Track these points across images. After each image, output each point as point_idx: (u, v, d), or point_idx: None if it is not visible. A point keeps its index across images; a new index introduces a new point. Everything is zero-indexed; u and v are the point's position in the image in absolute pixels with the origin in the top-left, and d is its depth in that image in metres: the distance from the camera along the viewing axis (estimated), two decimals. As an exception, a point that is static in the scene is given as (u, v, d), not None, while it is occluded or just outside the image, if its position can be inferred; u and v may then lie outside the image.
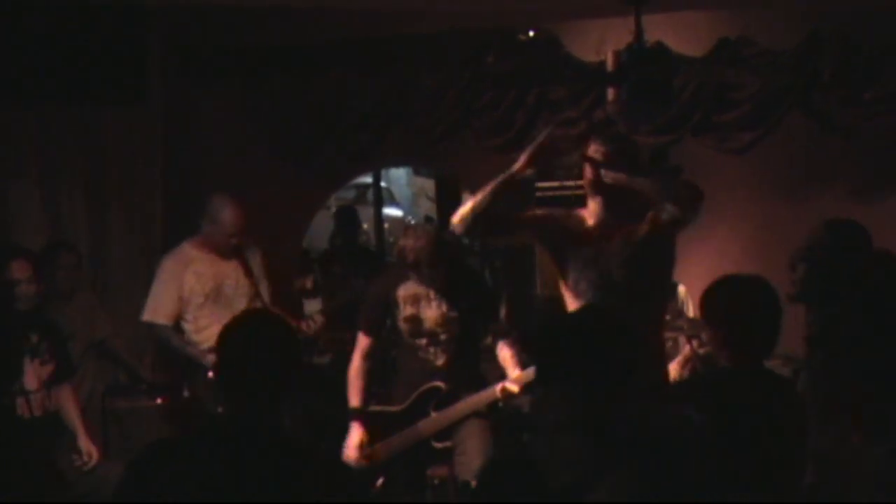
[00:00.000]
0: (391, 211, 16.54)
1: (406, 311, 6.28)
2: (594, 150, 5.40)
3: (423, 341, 6.28)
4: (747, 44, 7.17)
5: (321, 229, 12.83)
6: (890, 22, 6.88)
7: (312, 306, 9.08)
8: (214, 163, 8.33)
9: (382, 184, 15.29)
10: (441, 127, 7.90)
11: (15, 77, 7.23)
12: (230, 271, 6.89)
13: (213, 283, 6.85)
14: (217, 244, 6.83)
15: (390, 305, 6.31)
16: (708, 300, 4.29)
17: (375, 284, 6.67)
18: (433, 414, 6.20)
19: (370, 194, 14.93)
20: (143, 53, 7.68)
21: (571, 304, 5.54)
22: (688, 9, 7.29)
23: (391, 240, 15.55)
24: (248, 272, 6.90)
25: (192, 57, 8.15)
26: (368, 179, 14.39)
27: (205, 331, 6.84)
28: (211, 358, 6.81)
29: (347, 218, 10.87)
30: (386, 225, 15.46)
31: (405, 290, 6.30)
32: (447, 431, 6.19)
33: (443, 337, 6.26)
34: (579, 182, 8.12)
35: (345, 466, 3.94)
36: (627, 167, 5.26)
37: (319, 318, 7.12)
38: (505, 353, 6.30)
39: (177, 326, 6.93)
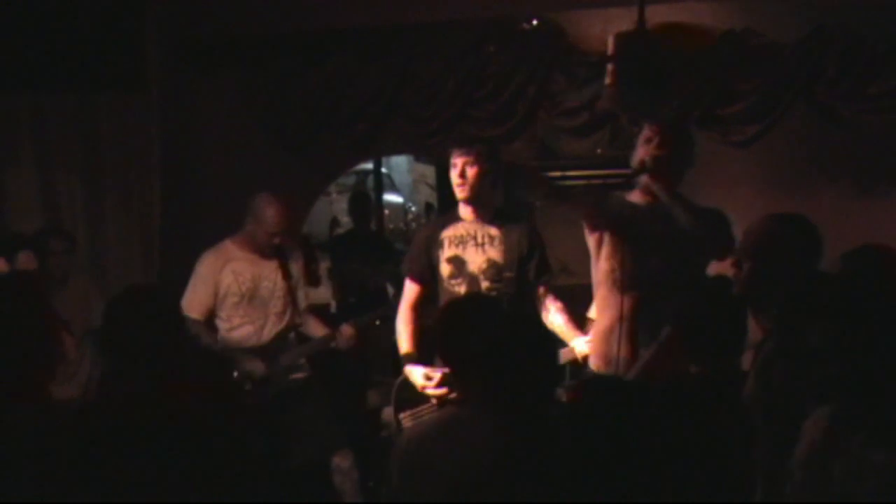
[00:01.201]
0: (391, 197, 16.48)
1: (449, 251, 6.09)
2: (649, 131, 5.36)
3: (463, 288, 6.03)
4: (752, 36, 7.10)
5: (320, 216, 12.81)
6: (896, 15, 6.83)
7: (318, 294, 9.06)
8: (212, 150, 8.28)
9: (383, 170, 15.22)
10: (441, 116, 7.85)
11: (12, 63, 7.20)
12: (269, 273, 6.90)
13: (251, 283, 6.85)
14: (258, 244, 6.84)
15: (434, 246, 6.13)
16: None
17: (422, 230, 6.53)
18: None
19: (370, 180, 14.87)
20: (142, 40, 7.63)
21: (601, 289, 5.50)
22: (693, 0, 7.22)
23: (391, 227, 15.50)
24: (287, 275, 6.92)
25: (190, 44, 8.09)
26: (369, 166, 14.33)
27: (236, 330, 6.87)
28: (238, 361, 6.80)
29: (361, 204, 10.84)
30: (386, 212, 15.40)
31: (453, 230, 6.12)
32: None
33: (484, 285, 6.00)
34: (582, 172, 8.14)
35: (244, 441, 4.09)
36: (678, 156, 5.39)
37: (349, 331, 7.00)
38: (559, 320, 6.09)
39: (209, 323, 6.92)
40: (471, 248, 6.06)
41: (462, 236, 6.08)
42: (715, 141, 7.34)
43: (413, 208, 17.04)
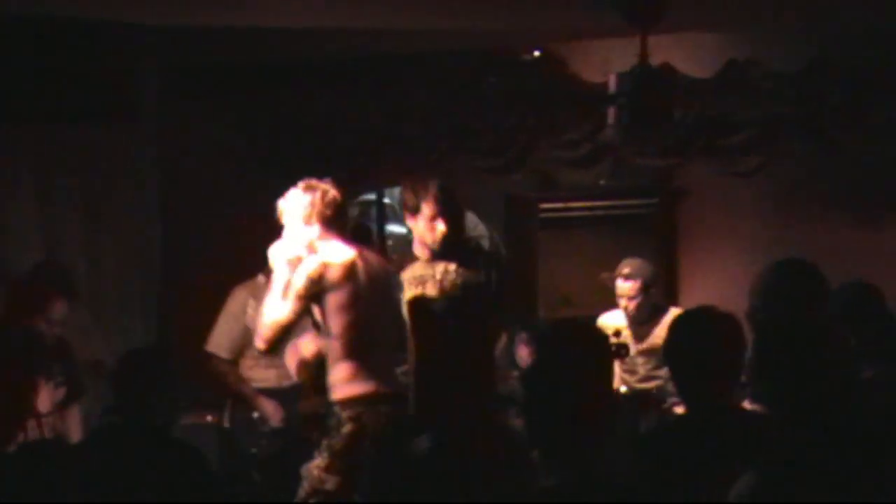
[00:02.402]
0: (394, 228, 16.40)
1: (409, 291, 5.96)
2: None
3: None
4: (755, 66, 7.07)
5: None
6: (898, 45, 6.80)
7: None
8: (211, 180, 8.23)
9: (386, 200, 15.15)
10: (440, 147, 7.80)
11: (10, 95, 7.15)
12: None
13: None
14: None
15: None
16: (667, 336, 4.12)
17: None
18: None
19: (374, 210, 14.79)
20: (139, 72, 7.60)
21: None
22: (696, 30, 7.19)
23: (394, 257, 15.38)
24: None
25: (188, 76, 8.05)
26: (373, 196, 14.26)
27: (267, 369, 6.77)
28: (261, 403, 6.72)
29: (363, 236, 10.78)
30: (389, 242, 15.31)
31: (411, 271, 6.01)
32: None
33: None
34: (584, 203, 8.12)
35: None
36: None
37: None
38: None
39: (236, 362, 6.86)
40: (430, 285, 5.94)
41: (421, 276, 5.97)
42: (718, 171, 7.30)
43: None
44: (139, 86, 7.57)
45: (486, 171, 7.88)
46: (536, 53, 7.72)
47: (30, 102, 7.27)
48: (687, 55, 7.20)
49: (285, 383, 6.75)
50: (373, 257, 6.00)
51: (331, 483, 5.74)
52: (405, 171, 8.03)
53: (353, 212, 15.21)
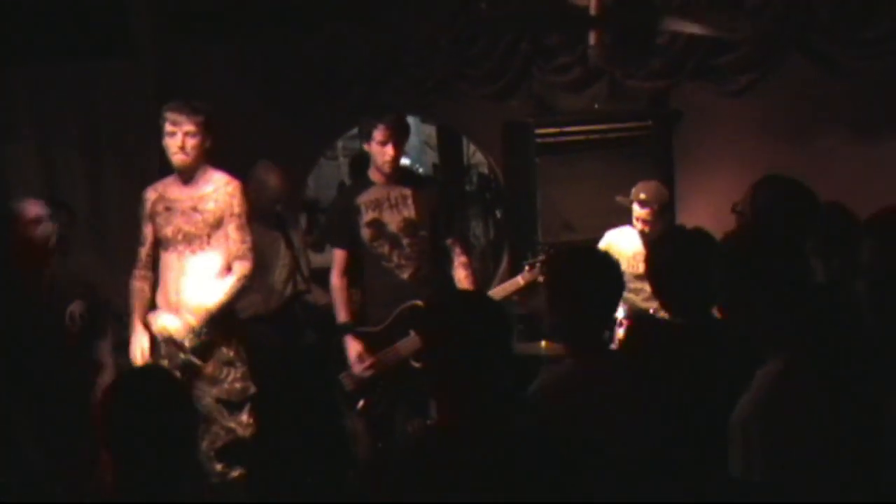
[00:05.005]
0: (398, 159, 16.40)
1: (368, 215, 6.35)
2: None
3: (386, 248, 6.34)
4: (743, -17, 7.03)
5: (328, 180, 12.80)
6: (890, -41, 6.75)
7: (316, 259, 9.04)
8: (210, 117, 8.23)
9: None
10: (435, 77, 7.83)
11: (3, 35, 7.17)
12: (272, 241, 6.91)
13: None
14: (261, 212, 6.84)
15: (352, 213, 6.40)
16: (649, 254, 4.41)
17: (336, 200, 6.91)
18: (412, 333, 6.16)
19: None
20: (133, 7, 7.60)
21: None
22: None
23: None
24: (290, 244, 6.93)
25: (182, 10, 8.04)
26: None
27: (243, 300, 6.84)
28: None
29: (361, 167, 10.82)
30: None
31: (367, 195, 6.40)
32: None
33: (405, 242, 6.32)
34: (580, 128, 8.12)
35: None
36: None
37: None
38: (460, 275, 6.38)
39: None
40: (387, 209, 6.35)
41: (377, 200, 6.38)
42: (709, 91, 7.29)
43: (420, 170, 17.00)
44: (133, 21, 7.58)
45: (482, 97, 7.91)
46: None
47: (23, 42, 7.29)
48: (675, -27, 7.16)
49: (272, 306, 6.95)
50: None
51: (252, 387, 6.12)
52: (403, 101, 8.09)
53: (356, 144, 15.29)
